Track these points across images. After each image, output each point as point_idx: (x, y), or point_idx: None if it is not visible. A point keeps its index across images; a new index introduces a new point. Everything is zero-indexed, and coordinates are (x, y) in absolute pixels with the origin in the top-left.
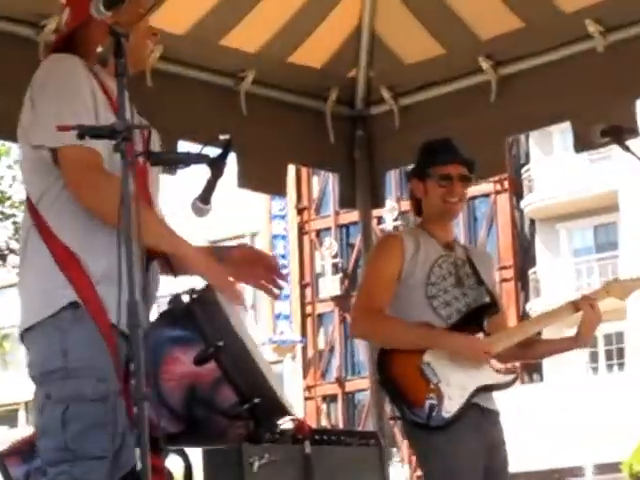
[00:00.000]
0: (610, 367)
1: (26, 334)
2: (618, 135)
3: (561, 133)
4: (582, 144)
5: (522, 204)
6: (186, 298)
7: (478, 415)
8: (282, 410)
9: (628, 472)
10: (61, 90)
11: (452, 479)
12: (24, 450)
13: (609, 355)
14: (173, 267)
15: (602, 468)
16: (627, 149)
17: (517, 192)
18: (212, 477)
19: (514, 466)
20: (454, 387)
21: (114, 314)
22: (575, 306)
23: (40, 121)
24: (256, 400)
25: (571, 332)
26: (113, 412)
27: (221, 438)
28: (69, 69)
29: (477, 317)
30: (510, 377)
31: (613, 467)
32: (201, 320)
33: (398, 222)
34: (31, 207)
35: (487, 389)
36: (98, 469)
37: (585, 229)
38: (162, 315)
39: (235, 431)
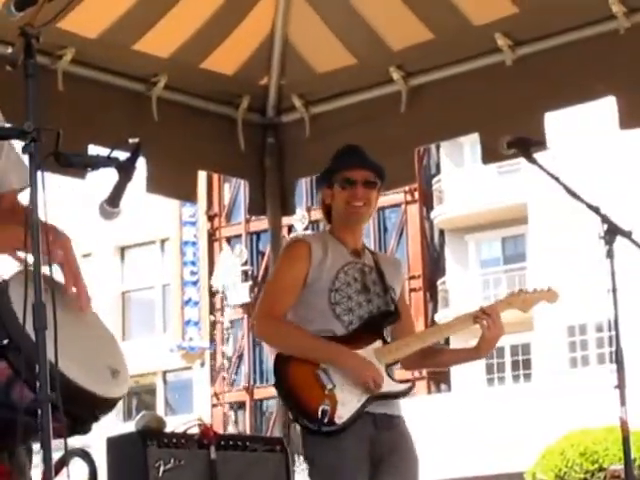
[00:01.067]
0: (516, 378)
1: None
2: (524, 147)
3: (472, 145)
4: (490, 156)
5: (432, 215)
6: None
7: (368, 424)
8: (92, 398)
9: None
10: None
11: None
12: None
13: (515, 366)
14: None
15: (507, 477)
16: (533, 161)
17: (427, 203)
18: None
19: (420, 475)
20: (348, 393)
21: None
22: (473, 318)
23: None
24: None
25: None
26: None
27: (35, 435)
28: None
29: (378, 324)
30: (405, 386)
31: (517, 476)
32: None
33: (308, 231)
34: None
35: (382, 397)
36: None
37: (493, 241)
38: None
39: None
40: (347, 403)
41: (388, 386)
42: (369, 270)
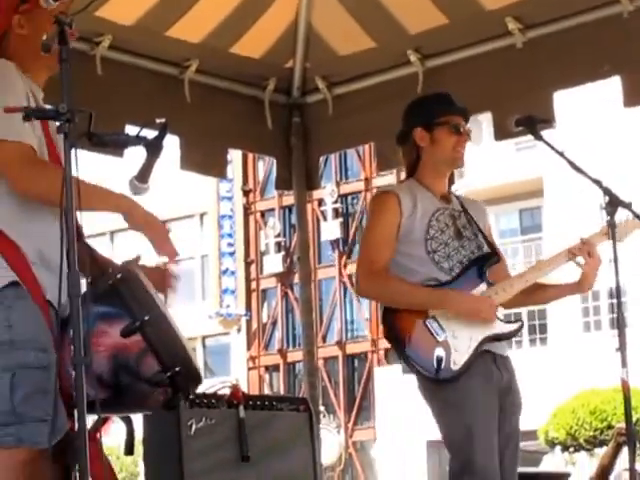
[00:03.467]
0: (533, 341)
1: None
2: (532, 125)
3: (489, 123)
4: (502, 133)
5: (452, 188)
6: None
7: (489, 362)
8: (197, 378)
9: (544, 438)
10: (3, 91)
11: (466, 432)
12: None
13: (532, 330)
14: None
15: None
16: (540, 138)
17: (449, 177)
18: (151, 440)
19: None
20: (461, 339)
21: (48, 292)
22: (571, 253)
23: None
24: (177, 369)
25: None
26: (54, 380)
27: (142, 404)
28: (9, 73)
29: (479, 267)
30: (516, 325)
31: (530, 435)
32: (126, 297)
33: (338, 204)
34: None
35: (495, 339)
36: (42, 431)
37: (511, 213)
38: (87, 294)
39: (155, 397)
40: (460, 348)
41: (499, 327)
42: (458, 214)
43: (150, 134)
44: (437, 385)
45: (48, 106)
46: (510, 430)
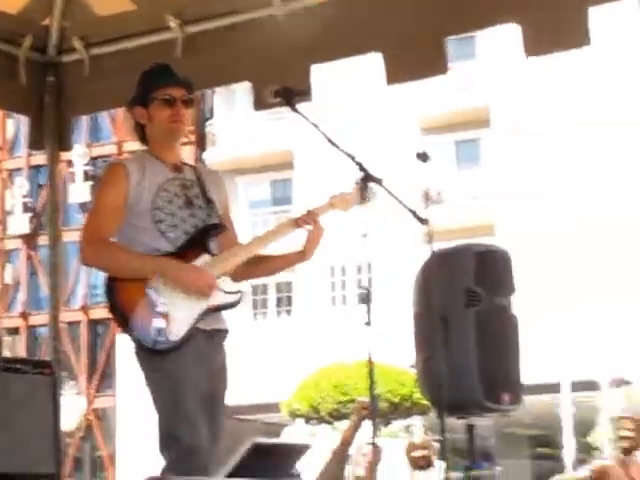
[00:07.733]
0: (279, 313)
1: None
2: (288, 96)
3: (243, 92)
4: (260, 103)
5: (204, 156)
6: None
7: (203, 340)
8: None
9: (287, 410)
10: None
11: (174, 404)
12: None
13: (279, 302)
14: None
15: (263, 407)
16: (295, 110)
17: (201, 145)
18: None
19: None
20: (181, 310)
21: None
22: (296, 222)
23: None
24: None
25: None
26: None
27: None
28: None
29: (203, 238)
30: (237, 297)
31: (272, 407)
32: None
33: (88, 167)
34: None
35: (215, 310)
36: None
37: (262, 183)
38: None
39: None
40: (181, 320)
41: (220, 299)
42: (191, 184)
43: None
44: (153, 355)
45: None
46: (219, 409)
